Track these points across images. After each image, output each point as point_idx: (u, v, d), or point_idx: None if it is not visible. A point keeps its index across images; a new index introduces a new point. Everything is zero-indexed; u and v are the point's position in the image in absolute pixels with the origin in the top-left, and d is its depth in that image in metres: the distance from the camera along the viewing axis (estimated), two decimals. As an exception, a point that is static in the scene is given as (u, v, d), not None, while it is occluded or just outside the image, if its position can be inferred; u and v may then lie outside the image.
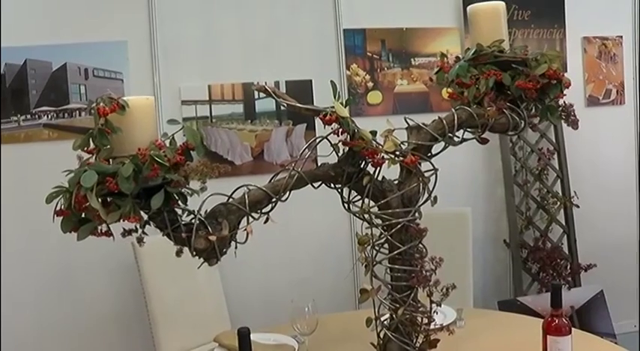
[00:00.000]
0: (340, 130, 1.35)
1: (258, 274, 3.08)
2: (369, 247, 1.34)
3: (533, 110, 1.69)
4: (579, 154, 3.49)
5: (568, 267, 3.34)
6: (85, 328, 2.93)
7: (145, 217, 1.39)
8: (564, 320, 1.47)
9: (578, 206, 3.40)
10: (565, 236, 3.43)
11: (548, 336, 1.47)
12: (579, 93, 3.47)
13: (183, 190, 1.37)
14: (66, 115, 2.83)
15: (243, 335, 1.23)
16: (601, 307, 3.29)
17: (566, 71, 3.30)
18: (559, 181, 3.43)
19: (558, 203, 3.39)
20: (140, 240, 1.42)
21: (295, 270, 3.11)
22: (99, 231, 1.35)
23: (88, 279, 2.90)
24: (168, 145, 1.36)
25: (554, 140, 3.41)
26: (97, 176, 1.24)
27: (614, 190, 3.59)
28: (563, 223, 3.42)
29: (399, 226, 1.35)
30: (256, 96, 3.00)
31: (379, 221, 1.38)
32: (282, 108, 3.01)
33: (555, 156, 3.42)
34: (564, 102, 1.67)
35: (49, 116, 2.81)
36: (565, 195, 3.40)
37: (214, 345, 1.91)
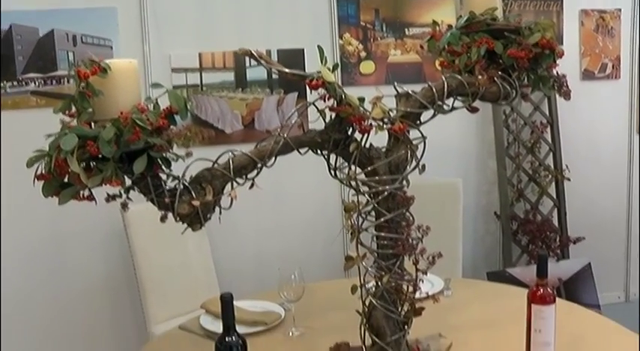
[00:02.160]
0: (327, 95, 1.33)
1: (247, 242, 3.09)
2: (355, 215, 1.33)
3: (526, 80, 1.67)
4: (572, 127, 3.48)
5: (557, 240, 3.36)
6: (74, 295, 2.93)
7: (129, 182, 1.38)
8: (549, 290, 1.47)
9: (569, 179, 3.41)
10: (555, 209, 3.44)
11: (532, 305, 1.47)
12: (575, 66, 3.44)
13: (167, 155, 1.35)
14: (54, 82, 2.79)
15: (226, 301, 1.22)
16: (587, 279, 3.33)
17: (562, 44, 3.27)
18: (551, 154, 3.42)
19: (550, 176, 3.39)
20: (124, 205, 1.41)
21: (285, 238, 3.13)
22: (81, 196, 1.33)
23: (77, 247, 2.90)
24: (152, 109, 1.34)
25: (547, 113, 3.40)
26: (78, 139, 1.22)
27: (605, 164, 3.60)
28: (554, 197, 3.42)
29: (386, 193, 1.33)
30: (247, 64, 2.96)
31: (366, 189, 1.36)
32: (273, 77, 2.99)
33: (548, 129, 3.41)
34: (557, 72, 1.64)
35: (37, 83, 2.77)
36: (557, 168, 3.40)
37: (202, 311, 1.91)
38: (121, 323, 3.02)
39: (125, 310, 3.00)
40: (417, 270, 1.32)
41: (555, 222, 3.44)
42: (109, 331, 3.01)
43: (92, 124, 1.32)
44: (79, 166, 1.25)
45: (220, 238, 2.96)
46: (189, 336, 1.82)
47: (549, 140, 3.41)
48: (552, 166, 3.41)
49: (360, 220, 1.35)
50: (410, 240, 1.31)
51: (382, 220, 1.33)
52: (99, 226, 2.89)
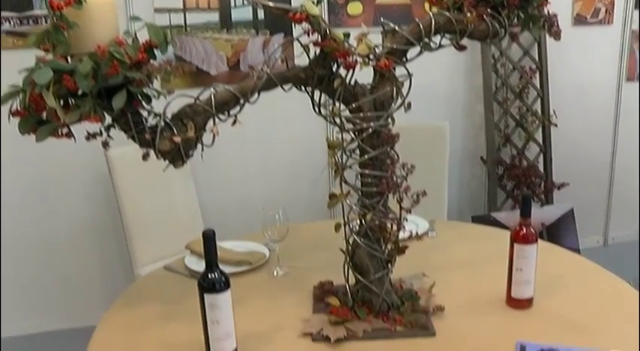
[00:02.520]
0: (311, 30, 1.29)
1: (232, 185, 3.08)
2: (339, 152, 1.31)
3: (515, 20, 1.63)
4: (561, 73, 3.45)
5: (542, 185, 3.38)
6: (60, 239, 2.93)
7: (109, 120, 1.35)
8: (532, 230, 1.48)
9: (556, 125, 3.40)
10: (541, 155, 3.45)
11: (515, 244, 1.48)
12: (566, 11, 3.37)
13: (147, 91, 1.32)
14: (30, 21, 2.70)
15: (208, 237, 1.21)
16: (569, 225, 3.37)
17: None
18: (539, 99, 3.40)
19: (537, 122, 3.39)
20: (105, 144, 1.39)
21: (271, 180, 3.13)
22: (59, 133, 1.30)
23: (62, 190, 2.88)
24: (130, 43, 1.30)
25: (537, 59, 3.36)
26: (53, 73, 1.18)
27: (593, 111, 3.59)
28: (541, 142, 3.43)
29: (370, 130, 1.31)
30: (232, 4, 2.87)
31: (350, 126, 1.34)
32: (259, 17, 2.91)
33: (537, 75, 3.38)
34: (548, 12, 1.61)
35: (12, 23, 2.67)
36: (544, 114, 3.38)
37: (186, 252, 1.91)
38: (108, 266, 3.03)
39: (112, 253, 3.01)
40: (401, 208, 1.32)
41: (541, 168, 3.45)
42: (96, 274, 3.03)
43: (68, 58, 1.29)
44: (56, 102, 1.22)
45: (206, 181, 2.95)
46: (174, 276, 1.82)
47: (538, 86, 3.38)
48: (540, 112, 3.40)
49: (345, 157, 1.34)
50: (394, 178, 1.30)
51: (366, 157, 1.32)
52: (83, 170, 2.86)
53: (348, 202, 1.34)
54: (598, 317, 1.45)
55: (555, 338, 1.35)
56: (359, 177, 1.37)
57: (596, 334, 1.37)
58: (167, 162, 1.37)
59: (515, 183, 3.35)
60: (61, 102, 1.27)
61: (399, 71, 1.40)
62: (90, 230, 2.97)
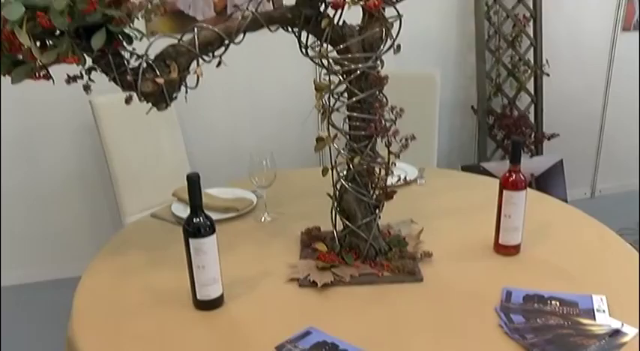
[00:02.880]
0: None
1: (221, 133, 3.05)
2: (326, 94, 1.28)
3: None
4: (555, 22, 3.39)
5: (532, 135, 3.37)
6: (47, 189, 2.91)
7: (90, 62, 1.31)
8: (521, 176, 1.46)
9: (548, 75, 3.36)
10: (532, 105, 3.42)
11: (504, 191, 1.47)
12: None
13: (128, 31, 1.27)
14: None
15: (193, 181, 1.19)
16: (558, 176, 3.38)
17: None
18: (532, 49, 3.35)
19: (529, 71, 3.34)
20: (87, 87, 1.35)
21: (259, 129, 3.09)
22: (36, 75, 1.25)
23: (48, 140, 2.84)
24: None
25: (531, 7, 3.28)
26: (25, 9, 1.12)
27: (586, 62, 3.55)
28: (532, 92, 3.39)
29: (359, 72, 1.28)
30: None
31: (338, 68, 1.30)
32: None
33: (531, 23, 3.32)
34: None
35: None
36: (536, 63, 3.34)
37: (173, 199, 1.89)
38: (97, 216, 3.02)
39: (100, 203, 2.99)
40: (389, 152, 1.30)
41: (531, 118, 3.43)
42: (85, 224, 3.02)
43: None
44: (31, 40, 1.17)
45: (193, 129, 2.91)
46: (161, 223, 1.81)
47: (531, 34, 3.32)
48: (532, 61, 3.35)
49: (332, 100, 1.30)
50: (383, 121, 1.27)
51: (354, 99, 1.29)
52: (68, 119, 2.81)
53: (335, 145, 1.32)
54: (583, 264, 1.46)
55: (541, 284, 1.35)
56: (347, 121, 1.34)
57: (581, 280, 1.38)
58: (150, 105, 1.33)
59: (506, 133, 3.34)
60: (38, 43, 1.22)
61: (389, 12, 1.35)
62: (78, 180, 2.94)
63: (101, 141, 2.40)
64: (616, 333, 1.16)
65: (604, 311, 1.24)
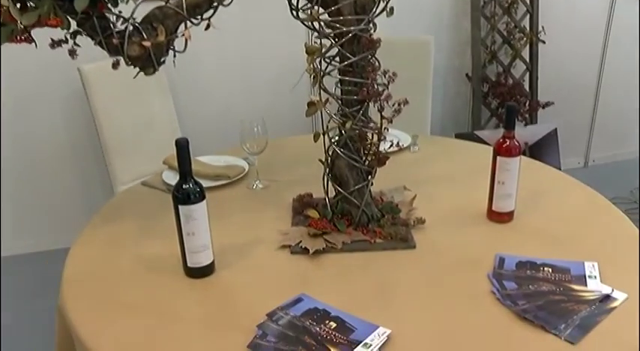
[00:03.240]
0: None
1: (213, 102, 3.01)
2: (318, 58, 1.25)
3: None
4: (552, -13, 3.34)
5: (527, 104, 3.34)
6: (37, 160, 2.88)
7: (74, 25, 1.27)
8: (515, 142, 1.45)
9: (544, 42, 3.32)
10: (527, 73, 3.38)
11: (498, 157, 1.46)
12: None
13: (112, -7, 1.24)
14: None
15: (182, 146, 1.17)
16: (552, 144, 3.37)
17: None
18: (528, 15, 3.30)
19: (525, 39, 3.30)
20: (72, 52, 1.32)
21: (251, 98, 3.06)
22: (18, 38, 1.22)
23: (36, 109, 2.80)
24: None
25: (527, -29, 3.23)
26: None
27: (582, 29, 3.50)
28: (527, 60, 3.35)
29: (350, 35, 1.25)
30: None
31: (330, 31, 1.27)
32: None
33: (527, -11, 3.27)
34: None
35: None
36: (532, 30, 3.29)
37: (165, 167, 1.87)
38: (89, 186, 2.99)
39: (92, 173, 2.96)
40: (382, 117, 1.27)
41: (526, 86, 3.40)
42: (77, 194, 3.00)
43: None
44: (9, 0, 1.13)
45: (185, 99, 2.88)
46: (152, 192, 1.79)
47: (527, 1, 3.27)
48: (528, 28, 3.31)
49: (324, 64, 1.28)
50: (375, 86, 1.25)
51: (346, 63, 1.26)
52: (57, 87, 2.76)
53: (327, 110, 1.29)
54: (576, 231, 1.45)
55: (534, 251, 1.35)
56: (338, 85, 1.31)
57: (574, 247, 1.38)
58: (137, 69, 1.30)
59: (500, 101, 3.31)
60: (19, 4, 1.18)
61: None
62: (68, 150, 2.90)
63: (91, 109, 2.37)
64: (606, 298, 1.16)
65: (595, 277, 1.24)
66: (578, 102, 3.69)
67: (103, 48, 1.30)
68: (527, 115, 3.37)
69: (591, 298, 1.17)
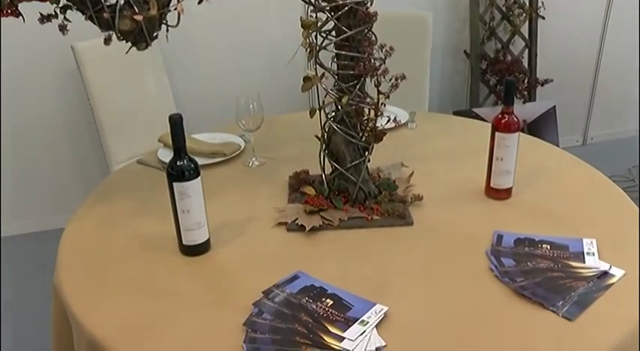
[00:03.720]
0: None
1: (209, 80, 2.98)
2: (313, 32, 1.22)
3: None
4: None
5: (525, 81, 3.31)
6: (32, 138, 2.85)
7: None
8: (514, 118, 1.43)
9: (543, 18, 3.28)
10: (526, 50, 3.35)
11: (496, 133, 1.44)
12: None
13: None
14: None
15: (175, 122, 1.15)
16: (551, 122, 3.35)
17: None
18: (527, -9, 3.26)
19: (524, 15, 3.26)
20: (63, 27, 1.29)
21: (247, 76, 3.02)
22: (4, 11, 1.19)
23: (30, 87, 2.76)
24: None
25: (527, -55, 3.18)
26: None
27: (582, 6, 3.46)
28: (526, 36, 3.32)
29: (346, 8, 1.22)
30: None
31: (325, 4, 1.24)
32: None
33: (526, -36, 3.22)
34: None
35: None
36: (532, 6, 3.25)
37: (160, 145, 1.86)
38: (84, 165, 2.97)
39: (88, 152, 2.94)
40: (379, 92, 1.25)
41: (525, 63, 3.37)
42: (71, 173, 2.98)
43: None
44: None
45: (180, 77, 2.84)
46: (147, 170, 1.78)
47: (526, -24, 3.23)
48: (527, 4, 3.26)
49: (320, 39, 1.25)
50: (372, 60, 1.23)
51: (342, 37, 1.23)
52: (51, 65, 2.72)
53: (323, 85, 1.27)
54: (575, 208, 1.44)
55: (532, 228, 1.34)
56: (335, 59, 1.29)
57: (572, 224, 1.37)
58: (130, 44, 1.28)
59: (499, 78, 3.28)
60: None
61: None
62: (64, 129, 2.88)
63: (85, 87, 2.34)
64: (604, 275, 1.16)
65: (594, 254, 1.23)
66: (578, 79, 3.66)
67: (93, 22, 1.27)
68: (525, 93, 3.35)
69: (589, 274, 1.16)
